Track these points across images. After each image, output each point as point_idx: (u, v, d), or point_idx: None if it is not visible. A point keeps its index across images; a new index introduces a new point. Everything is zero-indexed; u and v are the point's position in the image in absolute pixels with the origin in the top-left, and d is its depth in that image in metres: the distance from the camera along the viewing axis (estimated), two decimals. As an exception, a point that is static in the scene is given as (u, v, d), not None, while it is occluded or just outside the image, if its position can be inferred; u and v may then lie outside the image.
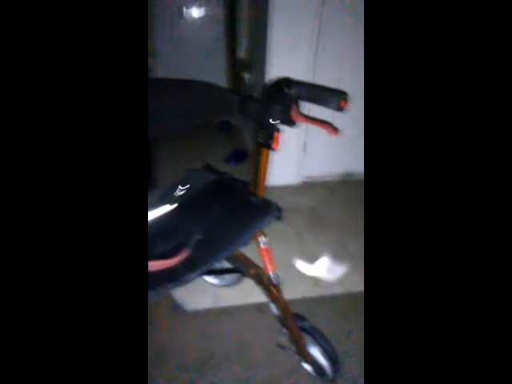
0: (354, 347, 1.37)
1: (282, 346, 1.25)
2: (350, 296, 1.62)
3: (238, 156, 2.84)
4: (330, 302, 1.59)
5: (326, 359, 1.20)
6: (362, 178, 2.53)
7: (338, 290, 1.66)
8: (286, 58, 2.09)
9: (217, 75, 3.67)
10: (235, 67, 3.58)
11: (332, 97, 0.79)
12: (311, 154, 2.45)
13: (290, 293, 1.16)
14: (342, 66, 2.21)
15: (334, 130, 0.86)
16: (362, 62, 2.31)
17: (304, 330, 1.19)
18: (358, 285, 1.69)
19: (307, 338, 1.20)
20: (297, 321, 1.16)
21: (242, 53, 3.38)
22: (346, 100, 0.78)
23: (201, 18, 3.65)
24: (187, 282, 0.85)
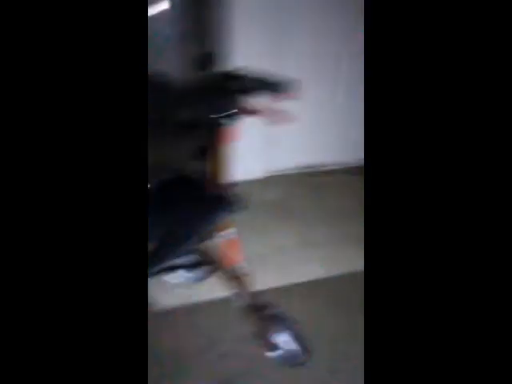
0: (322, 331, 1.41)
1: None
2: (313, 283, 1.68)
3: (203, 153, 2.83)
4: (296, 289, 1.64)
5: (296, 344, 1.24)
6: (325, 169, 2.60)
7: (302, 279, 1.71)
8: (248, 52, 2.11)
9: (173, 73, 3.61)
10: (197, 65, 3.52)
11: (275, 87, 0.80)
12: (275, 147, 2.48)
13: (256, 283, 1.18)
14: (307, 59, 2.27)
15: (275, 116, 0.85)
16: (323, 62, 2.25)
17: (272, 317, 1.22)
18: (319, 272, 1.75)
19: (276, 325, 1.23)
20: (264, 309, 1.19)
21: (203, 50, 3.33)
22: (289, 89, 0.80)
23: (155, 16, 3.57)
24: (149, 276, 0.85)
